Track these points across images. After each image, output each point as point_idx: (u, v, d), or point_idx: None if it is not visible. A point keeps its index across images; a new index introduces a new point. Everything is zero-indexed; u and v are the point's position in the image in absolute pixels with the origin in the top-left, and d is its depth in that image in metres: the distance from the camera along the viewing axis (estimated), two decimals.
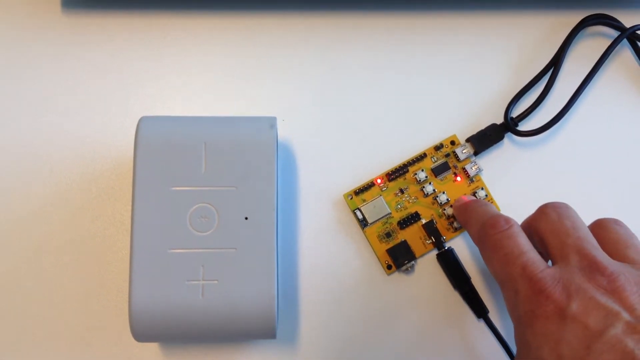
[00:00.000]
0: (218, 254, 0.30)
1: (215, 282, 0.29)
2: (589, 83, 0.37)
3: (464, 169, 0.36)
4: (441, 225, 0.36)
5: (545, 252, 0.29)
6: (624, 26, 0.38)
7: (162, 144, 0.30)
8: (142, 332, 0.30)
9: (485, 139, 0.37)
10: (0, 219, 0.35)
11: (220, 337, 0.30)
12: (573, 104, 0.37)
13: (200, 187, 0.30)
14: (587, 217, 0.36)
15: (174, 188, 0.30)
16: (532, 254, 0.28)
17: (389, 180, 0.36)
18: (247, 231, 0.30)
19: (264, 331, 0.30)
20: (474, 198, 0.35)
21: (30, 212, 0.35)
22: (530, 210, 0.36)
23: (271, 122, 0.32)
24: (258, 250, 0.30)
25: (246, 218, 0.30)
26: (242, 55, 0.38)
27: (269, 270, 0.30)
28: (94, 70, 0.37)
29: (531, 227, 0.30)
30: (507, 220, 0.29)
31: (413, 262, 0.35)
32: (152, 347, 0.34)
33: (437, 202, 0.36)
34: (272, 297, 0.30)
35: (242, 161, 0.30)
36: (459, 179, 0.36)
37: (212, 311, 0.29)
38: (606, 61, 0.38)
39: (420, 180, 0.36)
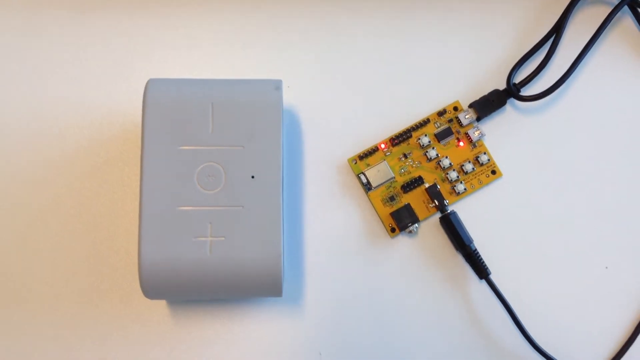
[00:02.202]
0: (225, 211, 0.30)
1: (223, 238, 0.30)
2: (590, 49, 0.38)
3: (466, 134, 0.37)
4: (444, 189, 0.36)
5: None
6: None
7: (170, 105, 0.31)
8: (151, 289, 0.30)
9: (487, 105, 0.37)
10: (10, 184, 0.36)
11: (228, 293, 0.31)
12: (574, 70, 0.37)
13: (207, 146, 0.31)
14: (588, 181, 0.37)
15: (181, 147, 0.31)
16: None
17: (393, 145, 0.37)
18: (254, 189, 0.31)
19: (270, 288, 0.31)
20: None
21: (40, 177, 0.36)
22: (533, 175, 0.36)
23: (277, 84, 0.32)
24: (264, 208, 0.30)
25: (253, 177, 0.31)
26: (247, 22, 0.38)
27: (275, 228, 0.30)
28: (101, 35, 0.38)
29: None
30: None
31: (416, 224, 0.36)
32: (161, 308, 0.35)
33: (440, 166, 0.37)
34: (278, 254, 0.30)
35: (248, 121, 0.31)
36: (461, 144, 0.37)
37: (219, 267, 0.30)
38: (607, 27, 0.38)
39: (423, 145, 0.37)
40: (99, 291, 0.35)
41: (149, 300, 0.34)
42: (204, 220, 0.30)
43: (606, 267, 0.36)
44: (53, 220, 0.35)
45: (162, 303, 0.35)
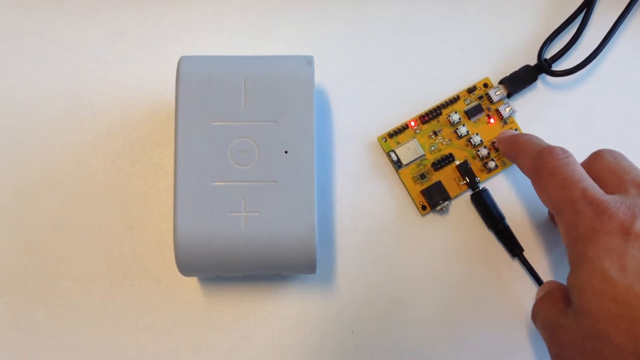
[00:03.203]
0: (259, 186, 0.30)
1: (257, 213, 0.30)
2: (622, 23, 0.37)
3: (497, 110, 0.37)
4: (475, 166, 0.36)
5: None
6: None
7: (202, 81, 0.31)
8: (187, 265, 0.30)
9: (518, 81, 0.37)
10: (44, 165, 0.36)
11: (263, 269, 0.31)
12: (607, 44, 0.37)
13: (240, 122, 0.31)
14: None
15: (215, 123, 0.31)
16: (590, 182, 0.28)
17: (423, 123, 0.37)
18: (287, 164, 0.31)
19: (304, 263, 0.31)
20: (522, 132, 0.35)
21: (72, 156, 0.36)
22: None
23: (308, 60, 0.32)
24: (298, 183, 0.30)
25: (286, 152, 0.31)
26: (276, 0, 0.38)
27: (309, 203, 0.30)
28: (132, 16, 0.38)
29: (585, 168, 0.30)
30: (564, 150, 0.30)
31: (447, 202, 0.36)
32: (193, 286, 0.35)
33: (471, 143, 0.36)
34: (312, 229, 0.30)
35: (281, 96, 0.31)
36: (492, 120, 0.37)
37: (254, 242, 0.30)
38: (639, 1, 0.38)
39: (453, 123, 0.36)
40: (133, 270, 0.35)
41: (182, 279, 0.35)
42: (237, 196, 0.30)
43: None
44: (86, 200, 0.36)
45: (194, 282, 0.35)
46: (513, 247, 0.35)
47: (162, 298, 0.35)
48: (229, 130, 0.31)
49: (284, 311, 0.35)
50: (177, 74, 0.31)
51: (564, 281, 0.34)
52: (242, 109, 0.31)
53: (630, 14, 0.37)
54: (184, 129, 0.31)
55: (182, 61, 0.32)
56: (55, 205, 0.36)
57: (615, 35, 0.37)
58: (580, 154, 0.36)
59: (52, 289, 0.35)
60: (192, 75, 0.31)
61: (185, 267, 0.31)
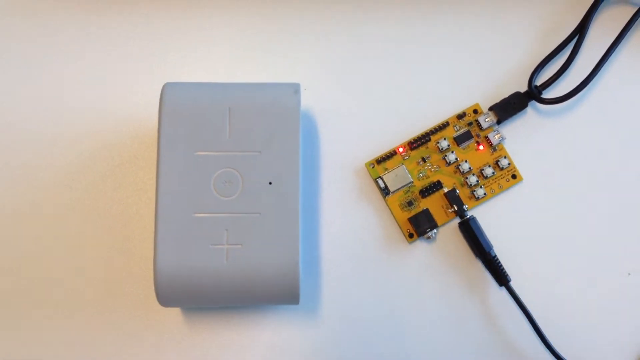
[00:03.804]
0: (242, 218, 0.30)
1: (240, 246, 0.30)
2: (614, 51, 0.37)
3: (486, 137, 0.36)
4: (463, 193, 0.36)
5: None
6: None
7: (186, 109, 0.30)
8: (166, 296, 0.30)
9: (508, 107, 0.36)
10: (26, 189, 0.35)
11: (244, 301, 0.31)
12: (598, 72, 0.36)
13: (224, 152, 0.30)
14: (611, 186, 0.36)
15: (198, 153, 0.30)
16: None
17: (411, 149, 0.36)
18: (271, 196, 0.30)
19: (287, 296, 0.30)
20: None
21: (54, 180, 0.35)
22: (554, 179, 0.36)
23: (295, 88, 0.32)
24: (282, 215, 0.30)
25: (270, 183, 0.30)
26: (265, 24, 0.37)
27: (293, 235, 0.30)
28: (117, 39, 0.37)
29: None
30: None
31: (435, 230, 0.35)
32: (175, 314, 0.34)
33: (459, 170, 0.36)
34: (296, 262, 0.30)
35: (266, 126, 0.30)
36: (481, 147, 0.36)
37: (236, 275, 0.29)
38: (632, 28, 0.37)
39: (442, 149, 0.36)
40: (114, 297, 0.34)
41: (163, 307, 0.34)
42: (220, 227, 0.30)
43: (629, 274, 0.35)
44: (68, 225, 0.35)
45: (177, 310, 0.34)
46: (500, 276, 0.35)
47: (142, 325, 0.34)
48: (212, 160, 0.30)
49: (267, 340, 0.34)
50: (161, 102, 0.31)
51: (549, 311, 0.34)
52: (226, 139, 0.30)
53: (622, 42, 0.37)
54: (167, 158, 0.30)
55: (165, 88, 0.31)
56: (37, 229, 0.35)
57: (607, 63, 0.37)
58: (568, 183, 0.36)
59: (31, 314, 0.34)
60: (176, 102, 0.30)
61: (165, 298, 0.30)
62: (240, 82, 0.32)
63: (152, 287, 0.34)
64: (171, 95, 0.31)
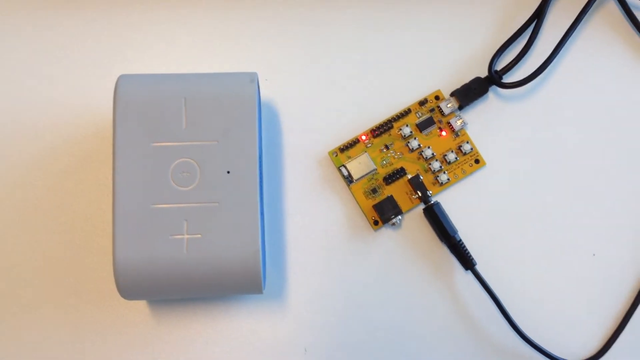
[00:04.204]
0: (201, 208, 0.30)
1: (199, 236, 0.29)
2: (572, 34, 0.37)
3: (448, 123, 0.36)
4: (427, 179, 0.36)
5: None
6: None
7: (141, 101, 0.30)
8: (128, 289, 0.30)
9: (469, 93, 0.36)
10: None
11: (207, 292, 0.31)
12: (556, 55, 0.37)
13: (181, 142, 0.30)
14: (572, 168, 0.36)
15: (154, 144, 0.30)
16: None
17: (374, 137, 0.36)
18: (230, 185, 0.30)
19: (250, 285, 0.30)
20: None
21: (15, 177, 0.35)
22: (517, 163, 0.36)
23: (251, 77, 0.31)
24: (241, 204, 0.30)
25: (228, 172, 0.30)
26: (224, 14, 0.37)
27: (252, 224, 0.30)
28: (73, 33, 0.37)
29: None
30: None
31: (399, 216, 0.35)
32: (140, 308, 0.34)
33: (423, 157, 0.36)
34: (256, 251, 0.30)
35: (223, 116, 0.30)
36: (444, 133, 0.36)
37: (197, 265, 0.29)
38: (590, 12, 0.38)
39: (405, 136, 0.36)
40: (77, 293, 0.34)
41: (128, 300, 0.34)
42: (179, 218, 0.30)
43: (594, 255, 0.36)
44: (28, 221, 0.35)
45: (142, 303, 0.34)
46: (466, 260, 0.35)
47: (108, 320, 0.34)
48: (169, 151, 0.30)
49: (234, 331, 0.34)
50: (115, 94, 0.30)
51: (515, 294, 0.34)
52: (183, 129, 0.30)
53: (579, 26, 0.37)
54: (123, 150, 0.30)
55: (120, 80, 0.31)
56: None
57: (565, 46, 0.37)
58: (530, 167, 0.36)
59: None
60: (131, 95, 0.30)
61: (126, 291, 0.30)
62: (196, 73, 0.32)
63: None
64: (125, 87, 0.30)
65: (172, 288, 0.30)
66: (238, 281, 0.30)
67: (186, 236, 0.29)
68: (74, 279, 0.34)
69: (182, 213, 0.30)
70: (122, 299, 0.34)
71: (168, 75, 0.32)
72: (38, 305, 0.34)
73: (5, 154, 0.35)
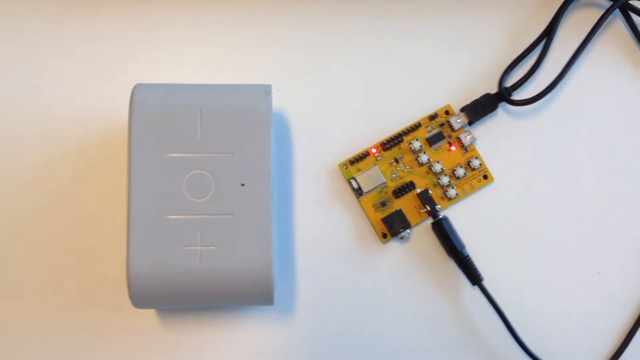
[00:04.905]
0: (215, 220, 0.30)
1: (213, 247, 0.30)
2: (581, 53, 0.37)
3: (458, 138, 0.37)
4: (436, 194, 0.36)
5: None
6: None
7: (157, 111, 0.30)
8: (140, 298, 0.30)
9: (479, 109, 0.37)
10: None
11: (218, 302, 0.31)
12: (566, 74, 0.37)
13: (196, 153, 0.30)
14: (581, 186, 0.36)
15: (169, 155, 0.30)
16: None
17: (384, 150, 0.36)
18: (243, 197, 0.30)
19: (261, 297, 0.30)
20: None
21: (26, 182, 0.35)
22: (525, 179, 0.36)
23: (266, 89, 0.32)
24: (254, 216, 0.30)
25: (242, 184, 0.30)
26: (237, 24, 0.37)
27: (265, 236, 0.30)
28: (89, 40, 0.37)
29: None
30: None
31: (408, 230, 0.36)
32: (150, 316, 0.34)
33: (432, 171, 0.36)
34: (269, 263, 0.30)
35: (237, 128, 0.30)
36: (453, 148, 0.37)
37: (209, 276, 0.29)
38: (599, 31, 0.38)
39: (414, 150, 0.36)
40: (87, 300, 0.34)
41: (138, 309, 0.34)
42: (193, 229, 0.30)
43: (599, 272, 0.36)
44: (39, 227, 0.35)
45: (152, 312, 0.34)
46: (473, 275, 0.35)
47: (117, 327, 0.34)
48: (184, 162, 0.30)
49: (243, 340, 0.34)
50: (131, 103, 0.30)
51: (521, 310, 0.34)
52: (198, 140, 0.30)
53: (590, 43, 0.38)
54: (138, 160, 0.30)
55: (136, 89, 0.31)
56: (6, 231, 0.35)
57: (575, 64, 0.37)
58: (539, 183, 0.36)
59: (3, 316, 0.34)
60: (147, 104, 0.30)
61: (139, 300, 0.30)
62: (212, 84, 0.32)
63: (126, 289, 0.34)
64: (142, 97, 0.30)
65: (184, 298, 0.30)
66: (249, 293, 0.30)
67: (200, 247, 0.29)
68: (84, 285, 0.34)
69: (196, 224, 0.30)
70: (131, 306, 0.34)
71: (184, 86, 0.32)
72: (47, 311, 0.34)
73: (15, 158, 0.35)
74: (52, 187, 0.35)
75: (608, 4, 0.38)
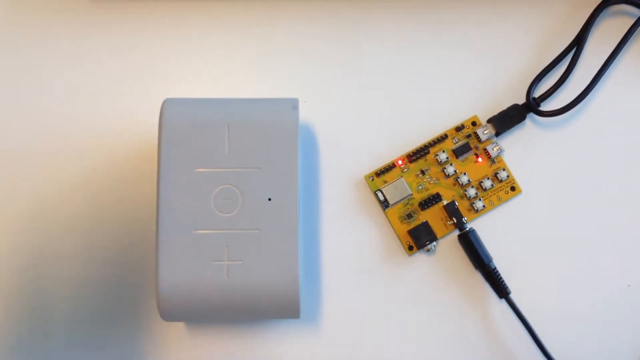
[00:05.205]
0: (242, 234, 0.30)
1: (240, 262, 0.30)
2: (612, 63, 0.37)
3: (485, 149, 0.36)
4: (462, 206, 0.36)
5: None
6: None
7: (186, 126, 0.31)
8: (169, 312, 0.30)
9: (506, 120, 0.36)
10: (27, 204, 0.35)
11: (245, 316, 0.31)
12: (596, 84, 0.36)
13: (223, 168, 0.30)
14: (610, 198, 0.36)
15: (198, 170, 0.30)
16: None
17: (410, 162, 0.36)
18: (271, 212, 0.30)
19: (287, 311, 0.31)
20: None
21: (56, 194, 0.36)
22: (553, 192, 0.36)
23: (294, 104, 0.32)
24: (281, 231, 0.30)
25: (269, 199, 0.30)
26: (264, 37, 0.38)
27: (292, 251, 0.30)
28: (118, 54, 0.37)
29: None
30: None
31: (434, 242, 0.35)
32: (178, 328, 0.35)
33: (459, 183, 0.36)
34: (295, 278, 0.30)
35: (265, 142, 0.31)
36: (480, 160, 0.36)
37: (237, 291, 0.30)
38: (630, 40, 0.37)
39: (441, 161, 0.36)
40: (116, 311, 0.35)
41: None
42: (221, 244, 0.30)
43: (628, 285, 0.35)
44: (69, 239, 0.35)
45: (180, 324, 0.34)
46: (500, 289, 0.35)
47: (146, 339, 0.34)
48: (212, 177, 0.30)
49: (269, 352, 0.34)
50: (161, 118, 0.31)
51: (549, 323, 0.34)
52: (226, 155, 0.31)
53: (620, 53, 0.37)
54: (167, 174, 0.30)
55: (165, 104, 0.31)
56: (37, 243, 0.35)
57: (605, 75, 0.37)
58: (567, 195, 0.36)
59: (33, 328, 0.34)
60: (176, 119, 0.31)
61: (168, 314, 0.30)
62: (239, 98, 0.33)
63: (154, 301, 0.34)
64: (171, 112, 0.31)
65: (212, 312, 0.30)
66: (276, 307, 0.30)
67: (227, 262, 0.30)
68: (113, 298, 0.35)
69: (223, 239, 0.30)
70: (159, 318, 0.34)
71: (212, 100, 0.32)
72: (76, 323, 0.34)
73: (46, 172, 0.36)
74: (83, 200, 0.36)
75: (639, 13, 0.38)
